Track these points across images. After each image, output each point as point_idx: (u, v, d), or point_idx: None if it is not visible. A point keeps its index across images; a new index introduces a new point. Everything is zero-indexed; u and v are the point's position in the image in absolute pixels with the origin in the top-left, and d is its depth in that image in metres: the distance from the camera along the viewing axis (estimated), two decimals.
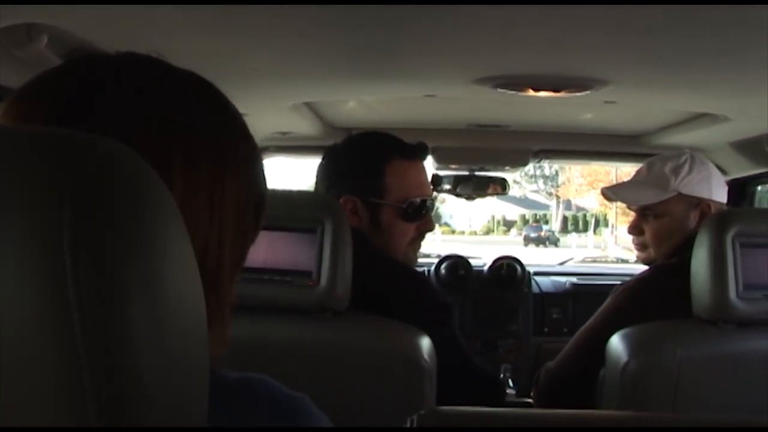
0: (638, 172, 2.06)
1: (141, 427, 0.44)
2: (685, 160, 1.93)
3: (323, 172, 1.83)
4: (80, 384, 0.42)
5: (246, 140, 0.68)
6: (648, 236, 1.97)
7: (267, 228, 1.49)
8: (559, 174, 37.02)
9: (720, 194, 1.95)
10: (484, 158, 3.02)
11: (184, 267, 0.47)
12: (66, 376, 0.42)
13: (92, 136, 0.46)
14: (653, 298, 1.79)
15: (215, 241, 0.62)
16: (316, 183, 1.84)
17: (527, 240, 30.77)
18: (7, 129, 0.49)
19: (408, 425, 0.54)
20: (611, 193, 2.12)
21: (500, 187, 3.15)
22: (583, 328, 1.91)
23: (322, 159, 1.85)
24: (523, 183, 37.60)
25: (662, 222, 1.94)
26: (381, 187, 1.76)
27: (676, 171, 1.91)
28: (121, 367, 0.43)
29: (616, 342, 1.66)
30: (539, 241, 30.61)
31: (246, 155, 0.67)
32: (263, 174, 0.71)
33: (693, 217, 1.91)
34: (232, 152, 0.65)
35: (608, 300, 1.90)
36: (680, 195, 1.91)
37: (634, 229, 2.02)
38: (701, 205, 1.91)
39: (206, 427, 0.50)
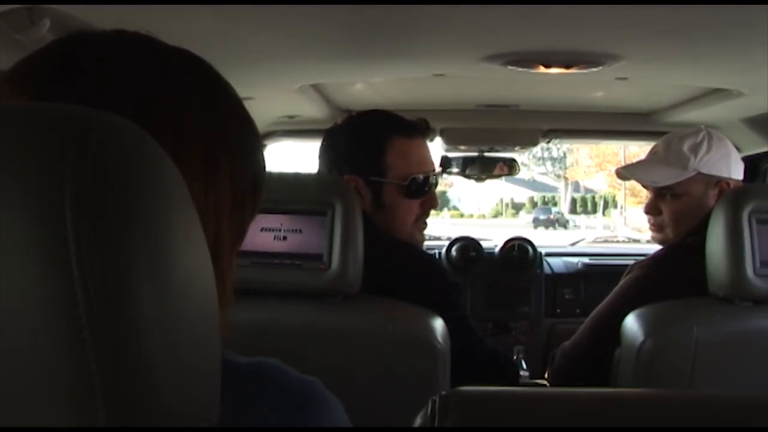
0: (654, 151, 2.01)
1: (150, 427, 0.42)
2: (703, 138, 1.89)
3: (324, 154, 1.82)
4: (86, 370, 0.40)
5: (239, 113, 0.68)
6: (666, 216, 1.94)
7: (277, 211, 1.51)
8: (567, 156, 36.93)
9: (738, 171, 1.92)
10: (493, 138, 3.00)
11: (192, 242, 0.46)
12: (70, 361, 0.40)
13: (93, 111, 0.44)
14: (668, 277, 1.77)
15: (212, 214, 0.62)
16: (319, 165, 1.82)
17: (536, 222, 30.80)
18: (8, 105, 0.48)
19: (429, 407, 0.52)
20: (628, 173, 2.07)
21: (510, 167, 3.13)
22: (598, 307, 1.89)
23: (323, 140, 1.84)
24: (531, 165, 37.52)
25: (681, 201, 1.90)
26: (382, 165, 1.75)
27: (695, 149, 1.88)
28: (127, 349, 0.41)
29: (631, 321, 1.64)
30: (548, 224, 30.65)
31: (239, 128, 0.67)
32: (259, 147, 0.70)
33: (712, 196, 1.87)
34: (224, 125, 0.65)
35: (623, 279, 1.88)
36: (699, 174, 1.88)
37: (652, 209, 1.98)
38: (720, 183, 1.88)
39: (217, 426, 0.49)
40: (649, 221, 2.03)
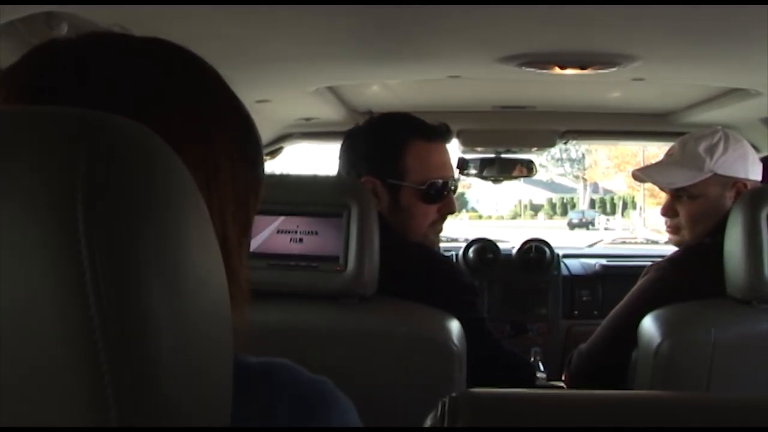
0: (670, 152, 2.00)
1: (162, 427, 0.42)
2: (720, 139, 1.87)
3: (344, 155, 1.82)
4: (97, 370, 0.41)
5: (236, 112, 0.68)
6: (682, 218, 1.92)
7: (293, 213, 1.51)
8: (586, 157, 36.78)
9: (756, 172, 1.89)
10: (510, 140, 2.99)
11: (203, 243, 0.46)
12: (82, 361, 0.40)
13: (104, 114, 0.45)
14: (684, 278, 1.75)
15: (217, 214, 0.62)
16: (339, 166, 1.82)
17: (571, 225, 30.91)
18: (21, 109, 0.49)
19: (439, 409, 0.52)
20: (644, 175, 2.06)
21: (527, 169, 3.12)
22: (614, 309, 1.88)
23: (344, 141, 1.84)
24: (550, 167, 37.39)
25: (697, 203, 1.89)
26: (401, 168, 1.74)
27: (711, 150, 1.86)
28: (139, 352, 0.42)
29: (648, 323, 1.63)
30: (582, 225, 30.84)
31: (237, 127, 0.67)
32: (257, 143, 0.70)
33: (729, 197, 1.85)
34: (223, 124, 0.65)
35: (640, 281, 1.87)
36: (716, 175, 1.86)
37: (668, 211, 1.96)
38: (737, 184, 1.86)
39: (228, 427, 0.49)
40: (666, 223, 2.01)
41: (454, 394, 0.52)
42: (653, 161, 2.21)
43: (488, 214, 38.30)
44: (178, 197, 0.45)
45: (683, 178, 1.89)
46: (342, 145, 1.83)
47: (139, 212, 0.42)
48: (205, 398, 0.46)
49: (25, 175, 0.41)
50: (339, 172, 1.82)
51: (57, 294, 0.40)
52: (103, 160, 0.42)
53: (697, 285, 1.68)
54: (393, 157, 1.74)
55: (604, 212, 37.09)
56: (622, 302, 1.87)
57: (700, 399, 0.61)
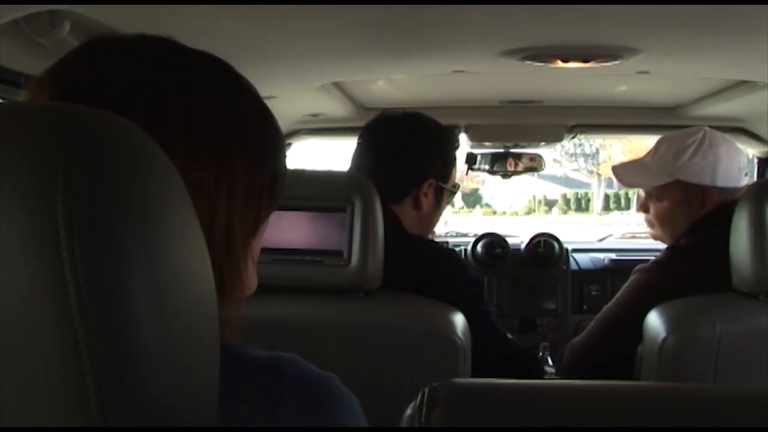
0: (649, 151, 1.99)
1: (146, 427, 0.43)
2: (693, 142, 1.83)
3: (405, 154, 1.80)
4: (78, 367, 0.41)
5: (258, 111, 0.69)
6: (652, 215, 1.95)
7: (297, 208, 1.51)
8: (600, 152, 36.55)
9: (727, 179, 1.82)
10: (518, 135, 2.98)
11: (186, 235, 0.46)
12: (62, 358, 0.41)
13: (86, 108, 0.45)
14: (668, 279, 1.75)
15: (224, 204, 0.63)
16: (395, 161, 1.79)
17: None
18: (5, 104, 0.49)
19: (419, 399, 0.52)
20: (616, 171, 2.06)
21: (536, 163, 3.11)
22: (605, 306, 1.90)
23: (398, 136, 1.81)
24: (564, 162, 37.20)
25: (662, 205, 1.90)
26: (450, 173, 1.86)
27: (678, 155, 1.83)
28: (120, 343, 0.42)
29: (653, 317, 1.63)
30: None
31: (257, 125, 0.68)
32: (280, 145, 0.72)
33: (696, 204, 1.83)
34: (239, 121, 0.66)
35: (628, 280, 1.87)
36: (677, 181, 1.83)
37: (642, 207, 2.00)
38: (702, 192, 1.82)
39: (215, 427, 0.49)
40: (644, 218, 2.03)
41: (434, 384, 0.52)
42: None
43: (502, 209, 38.14)
44: (160, 190, 0.45)
45: (645, 181, 1.91)
46: (398, 142, 1.81)
47: (119, 204, 0.42)
48: (190, 394, 0.46)
49: (7, 165, 0.42)
50: (399, 167, 1.80)
51: (36, 287, 0.40)
52: (84, 152, 0.42)
53: (680, 286, 1.67)
54: (451, 163, 1.87)
55: (619, 208, 36.84)
56: (612, 300, 1.89)
57: (683, 390, 0.61)
